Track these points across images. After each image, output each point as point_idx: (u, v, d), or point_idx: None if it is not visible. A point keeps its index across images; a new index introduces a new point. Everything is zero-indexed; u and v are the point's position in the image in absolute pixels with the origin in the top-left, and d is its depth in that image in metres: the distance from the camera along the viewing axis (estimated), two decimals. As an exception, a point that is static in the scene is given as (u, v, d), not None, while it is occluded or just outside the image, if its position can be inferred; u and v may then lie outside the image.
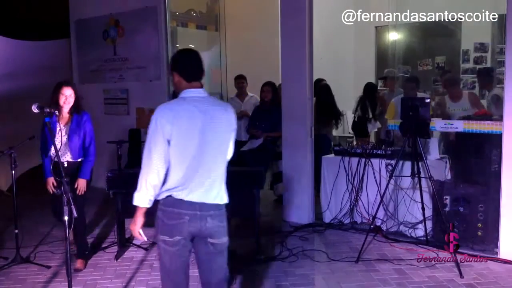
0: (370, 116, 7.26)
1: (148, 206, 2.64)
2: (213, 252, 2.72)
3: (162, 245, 2.68)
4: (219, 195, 2.69)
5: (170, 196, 2.63)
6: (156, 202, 2.67)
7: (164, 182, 2.62)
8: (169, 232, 2.64)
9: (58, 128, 4.24)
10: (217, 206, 2.68)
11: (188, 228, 2.63)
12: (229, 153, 2.77)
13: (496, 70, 6.71)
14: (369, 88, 7.40)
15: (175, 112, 2.58)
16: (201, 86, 2.71)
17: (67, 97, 4.27)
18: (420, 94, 6.33)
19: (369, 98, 7.30)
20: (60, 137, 4.21)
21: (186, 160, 2.60)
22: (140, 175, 2.62)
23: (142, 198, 2.60)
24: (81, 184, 4.34)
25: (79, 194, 4.32)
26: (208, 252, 2.72)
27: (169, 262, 2.72)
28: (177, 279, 2.77)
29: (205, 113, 2.61)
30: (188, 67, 2.69)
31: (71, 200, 3.16)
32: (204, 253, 2.73)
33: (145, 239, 2.78)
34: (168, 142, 2.57)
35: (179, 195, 2.61)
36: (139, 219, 2.67)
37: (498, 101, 5.87)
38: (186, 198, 2.61)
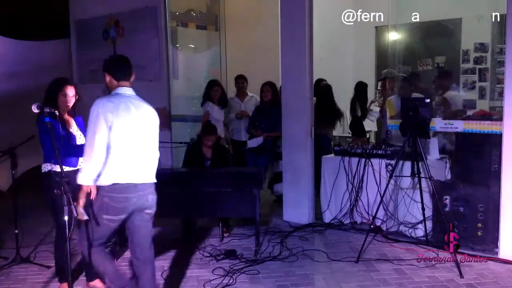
0: (359, 114, 7.26)
1: (92, 184, 3.08)
2: (147, 219, 3.28)
3: (105, 222, 3.16)
4: (154, 175, 3.25)
5: (116, 183, 3.08)
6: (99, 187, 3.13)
7: (108, 168, 3.05)
8: (115, 212, 3.13)
9: (69, 131, 3.87)
10: (154, 184, 3.26)
11: (133, 207, 3.15)
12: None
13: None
14: (359, 87, 7.43)
15: (115, 104, 3.05)
16: (130, 86, 3.23)
17: (70, 98, 3.85)
18: (415, 95, 6.31)
19: (360, 97, 7.32)
20: (78, 141, 3.89)
21: (126, 147, 3.07)
22: (84, 158, 3.05)
23: (87, 177, 3.04)
24: (93, 188, 4.16)
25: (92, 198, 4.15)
26: (143, 219, 3.27)
27: (106, 232, 3.24)
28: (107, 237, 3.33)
29: (137, 106, 3.15)
30: (117, 69, 3.20)
31: (71, 200, 3.16)
32: (140, 220, 3.26)
33: (86, 217, 3.16)
34: (110, 129, 3.01)
35: (125, 179, 3.08)
36: (83, 199, 3.12)
37: (444, 103, 5.91)
38: (131, 181, 3.09)
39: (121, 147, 3.05)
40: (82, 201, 3.12)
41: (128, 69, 3.23)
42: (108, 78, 3.21)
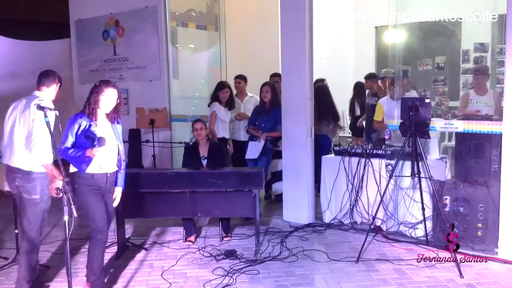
0: (359, 114, 7.26)
1: None
2: (25, 204, 3.83)
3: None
4: (22, 162, 3.79)
5: None
6: None
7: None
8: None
9: (107, 133, 3.75)
10: (20, 170, 3.79)
11: (9, 184, 3.88)
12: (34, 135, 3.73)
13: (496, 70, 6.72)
14: (358, 87, 7.42)
15: (15, 103, 3.93)
16: (40, 90, 3.95)
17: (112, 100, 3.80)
18: (407, 95, 6.30)
19: (359, 97, 7.31)
20: (117, 144, 3.84)
21: (5, 134, 3.87)
22: None
23: None
24: (120, 193, 3.98)
25: (115, 204, 3.97)
26: (23, 203, 3.85)
27: None
28: None
29: (24, 103, 3.84)
30: (38, 79, 3.98)
31: (71, 200, 3.15)
32: (21, 204, 3.88)
33: None
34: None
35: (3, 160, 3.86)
36: None
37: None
38: (5, 162, 3.83)
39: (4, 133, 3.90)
40: None
41: (41, 79, 3.97)
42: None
